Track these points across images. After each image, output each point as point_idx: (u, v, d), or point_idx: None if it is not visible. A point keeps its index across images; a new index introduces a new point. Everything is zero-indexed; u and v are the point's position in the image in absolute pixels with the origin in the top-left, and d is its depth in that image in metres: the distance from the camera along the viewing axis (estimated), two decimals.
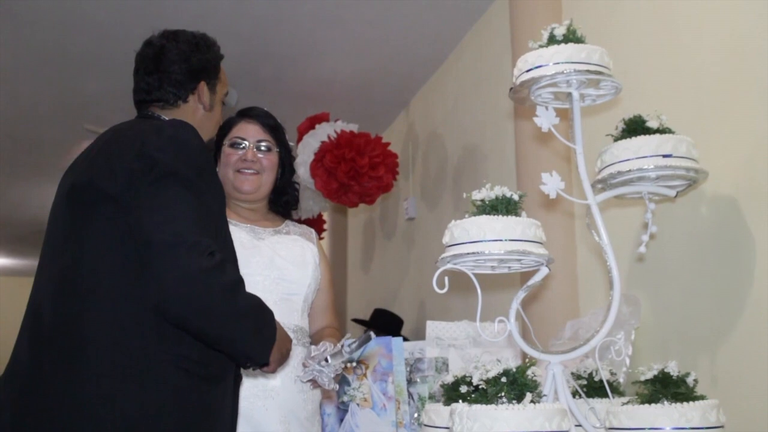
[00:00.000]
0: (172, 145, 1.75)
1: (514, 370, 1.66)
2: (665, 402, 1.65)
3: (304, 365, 2.28)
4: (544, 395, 1.81)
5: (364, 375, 2.54)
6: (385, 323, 4.98)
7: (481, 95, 4.34)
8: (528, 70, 1.98)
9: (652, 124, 2.02)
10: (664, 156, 1.96)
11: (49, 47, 4.82)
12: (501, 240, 1.84)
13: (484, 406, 1.61)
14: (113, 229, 1.71)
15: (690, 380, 1.69)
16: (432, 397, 2.55)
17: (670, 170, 1.96)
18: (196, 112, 2.03)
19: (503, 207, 1.89)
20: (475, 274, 1.95)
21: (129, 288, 1.68)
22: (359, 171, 4.51)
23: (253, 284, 2.08)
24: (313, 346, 2.33)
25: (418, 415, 2.54)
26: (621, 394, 2.02)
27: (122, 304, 1.68)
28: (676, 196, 2.09)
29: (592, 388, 2.01)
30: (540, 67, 1.95)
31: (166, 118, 1.94)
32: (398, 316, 5.06)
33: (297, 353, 2.32)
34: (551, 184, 1.91)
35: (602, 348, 1.99)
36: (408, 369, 2.62)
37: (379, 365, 2.52)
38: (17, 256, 13.64)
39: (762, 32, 2.20)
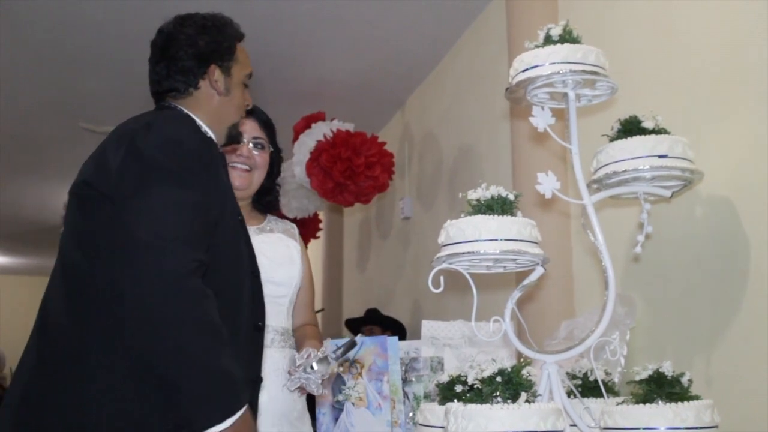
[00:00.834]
0: (160, 141, 1.70)
1: (509, 369, 1.66)
2: (660, 402, 1.65)
3: (290, 373, 2.25)
4: (539, 395, 1.81)
5: (360, 374, 2.53)
6: (393, 323, 5.01)
7: (477, 95, 4.34)
8: (524, 70, 1.98)
9: (648, 124, 2.02)
10: (660, 156, 1.96)
11: (45, 46, 4.81)
12: (496, 240, 1.85)
13: (479, 405, 1.61)
14: (104, 226, 1.67)
15: (684, 380, 1.70)
16: (427, 397, 2.55)
17: (665, 171, 1.97)
18: (211, 98, 1.95)
19: (499, 207, 1.89)
20: (471, 274, 1.95)
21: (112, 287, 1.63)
22: (355, 170, 4.51)
23: None
24: (296, 354, 2.30)
25: (414, 415, 2.54)
26: (616, 394, 2.02)
27: (107, 305, 1.63)
28: (671, 197, 2.10)
29: (587, 387, 2.01)
30: (536, 67, 1.95)
31: (181, 108, 1.91)
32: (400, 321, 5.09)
33: (284, 356, 2.32)
34: (547, 184, 1.91)
35: (597, 348, 2.00)
36: (403, 368, 2.62)
37: (374, 364, 2.52)
38: (13, 254, 13.61)
39: (758, 33, 2.20)
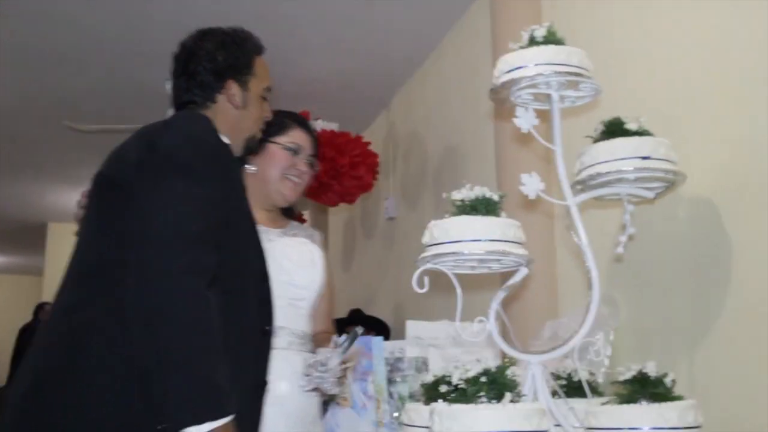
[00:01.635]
0: (177, 137, 1.74)
1: (494, 369, 1.66)
2: (643, 402, 1.66)
3: (306, 375, 2.24)
4: (524, 395, 1.81)
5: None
6: (376, 323, 5.01)
7: (461, 96, 4.35)
8: (508, 71, 1.98)
9: (631, 126, 2.03)
10: (643, 158, 1.96)
11: (29, 44, 4.78)
12: (480, 240, 1.85)
13: (463, 405, 1.61)
14: (121, 218, 1.69)
15: (668, 381, 1.70)
16: (412, 397, 2.54)
17: (648, 172, 1.97)
18: (228, 112, 1.99)
19: (483, 207, 1.89)
20: (455, 274, 1.95)
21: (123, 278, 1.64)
22: (339, 170, 4.50)
23: None
24: (309, 356, 2.30)
25: (399, 415, 2.54)
26: (600, 394, 2.03)
27: (117, 295, 1.64)
28: (654, 198, 2.11)
29: (572, 388, 2.02)
30: (520, 68, 1.95)
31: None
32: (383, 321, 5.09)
33: (302, 359, 2.31)
34: (531, 184, 1.92)
35: (581, 348, 2.00)
36: (388, 368, 2.62)
37: (359, 364, 2.52)
38: None
39: (740, 36, 2.22)
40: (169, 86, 5.87)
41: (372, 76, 5.23)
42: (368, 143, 4.71)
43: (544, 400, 1.87)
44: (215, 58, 1.99)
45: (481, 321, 1.93)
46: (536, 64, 1.93)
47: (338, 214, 6.89)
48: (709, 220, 2.27)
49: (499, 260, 1.94)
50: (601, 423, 1.67)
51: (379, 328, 4.95)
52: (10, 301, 13.93)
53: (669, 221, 2.46)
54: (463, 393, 1.64)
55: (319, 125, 4.74)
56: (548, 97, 2.03)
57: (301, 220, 6.02)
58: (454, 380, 1.67)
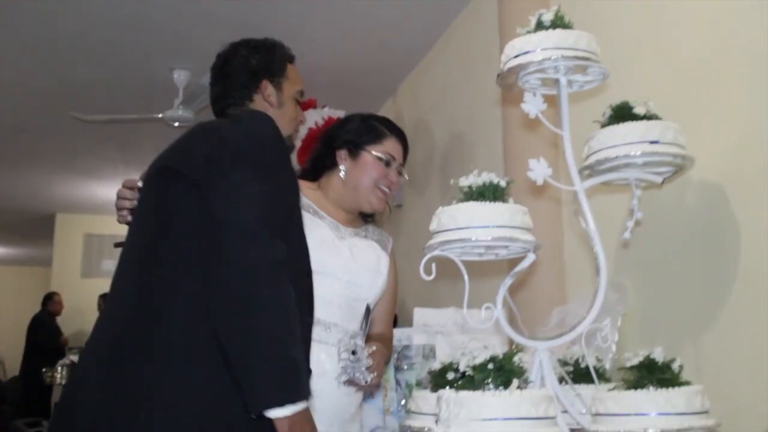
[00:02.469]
0: (247, 133, 1.81)
1: (501, 356, 1.66)
2: (651, 388, 1.66)
3: (341, 366, 2.23)
4: (531, 381, 1.81)
5: None
6: None
7: (468, 82, 4.33)
8: (516, 56, 1.97)
9: (639, 110, 2.02)
10: (651, 142, 1.95)
11: (35, 35, 4.79)
12: (488, 227, 1.84)
13: (471, 392, 1.61)
14: (189, 209, 1.74)
15: (675, 366, 1.70)
16: (419, 384, 2.55)
17: (656, 156, 1.96)
18: (266, 111, 2.04)
19: (490, 193, 1.89)
20: (463, 261, 1.95)
21: (197, 266, 1.69)
22: None
23: (324, 284, 2.11)
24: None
25: (406, 402, 2.54)
26: (607, 380, 2.02)
27: (190, 280, 1.69)
28: (662, 183, 2.10)
29: (579, 374, 2.01)
30: (527, 53, 1.94)
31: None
32: None
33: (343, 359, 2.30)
34: (538, 170, 1.91)
35: (589, 334, 2.00)
36: (395, 356, 2.62)
37: None
38: (4, 244, 13.58)
39: (749, 19, 2.20)
40: (176, 75, 5.89)
41: (378, 63, 5.22)
42: None
43: (551, 386, 1.87)
44: (249, 61, 2.10)
45: (488, 308, 1.93)
46: (543, 49, 1.92)
47: None
48: (718, 204, 2.26)
49: (506, 246, 1.93)
50: (609, 409, 1.67)
51: None
52: (19, 292, 14.01)
53: (677, 206, 2.45)
54: (471, 380, 1.64)
55: (326, 113, 4.73)
56: (556, 81, 2.02)
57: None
58: (462, 367, 1.67)
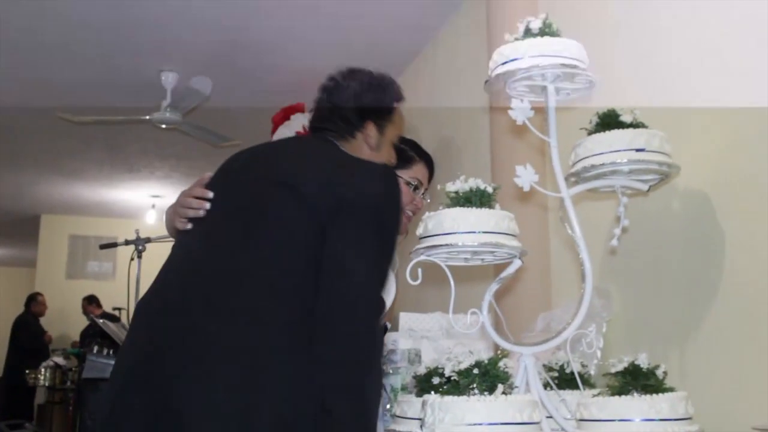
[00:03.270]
0: (383, 192, 1.80)
1: (486, 361, 1.66)
2: (635, 394, 1.67)
3: None
4: (516, 387, 1.82)
5: None
6: None
7: (456, 88, 4.34)
8: (503, 63, 1.98)
9: (626, 118, 2.03)
10: (637, 150, 1.96)
11: (22, 35, 4.77)
12: (474, 232, 1.85)
13: (456, 397, 1.62)
14: (299, 229, 1.74)
15: (659, 372, 1.71)
16: (404, 389, 2.55)
17: (642, 164, 1.98)
18: (362, 149, 2.03)
19: (477, 199, 1.89)
20: (449, 266, 1.95)
21: (294, 282, 1.70)
22: None
23: None
24: None
25: (391, 407, 2.54)
26: (592, 386, 2.03)
27: (283, 288, 1.70)
28: (648, 190, 2.11)
29: (564, 380, 2.02)
30: (515, 60, 1.95)
31: (342, 148, 2.00)
32: None
33: None
34: (525, 176, 1.91)
35: (574, 340, 2.01)
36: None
37: None
38: None
39: (735, 27, 2.22)
40: (164, 77, 5.85)
41: (367, 67, 5.22)
42: None
43: (536, 391, 1.87)
44: (360, 98, 2.06)
45: (474, 313, 1.93)
46: (531, 56, 1.93)
47: None
48: (703, 212, 2.28)
49: (492, 252, 1.94)
50: (593, 415, 1.68)
51: None
52: (3, 293, 13.91)
53: (663, 214, 2.46)
54: (456, 385, 1.65)
55: None
56: (543, 89, 2.03)
57: None
58: (447, 372, 1.67)
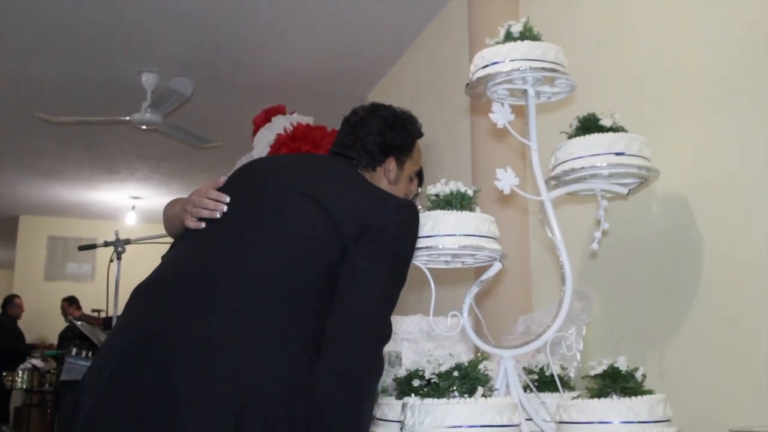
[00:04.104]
0: (406, 223, 1.82)
1: (467, 364, 1.66)
2: (614, 396, 1.67)
3: None
4: (496, 389, 1.82)
5: None
6: None
7: (437, 91, 4.35)
8: (484, 67, 1.98)
9: (606, 122, 2.04)
10: (617, 154, 1.98)
11: (0, 34, 4.72)
12: (455, 235, 1.86)
13: (436, 399, 1.62)
14: (321, 242, 1.77)
15: (638, 375, 1.72)
16: (385, 391, 2.54)
17: (622, 168, 1.99)
18: (381, 182, 2.07)
19: (457, 202, 1.90)
20: (429, 269, 1.96)
21: (308, 289, 1.73)
22: None
23: None
24: None
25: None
26: (571, 388, 2.04)
27: (296, 295, 1.72)
28: (628, 194, 2.12)
29: (543, 382, 2.03)
30: (496, 63, 1.96)
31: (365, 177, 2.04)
32: None
33: None
34: (506, 180, 1.92)
35: (554, 343, 2.01)
36: None
37: None
38: None
39: (713, 34, 2.24)
40: (144, 78, 5.80)
41: (348, 70, 5.22)
42: None
43: (516, 394, 1.88)
44: (384, 135, 2.09)
45: (454, 315, 1.94)
46: (512, 60, 1.94)
47: None
48: (681, 216, 2.29)
49: (473, 255, 1.95)
50: (573, 417, 1.68)
51: None
52: None
53: (642, 217, 2.48)
54: (436, 387, 1.65)
55: (294, 118, 4.72)
56: (524, 92, 2.03)
57: None
58: (427, 375, 1.67)
